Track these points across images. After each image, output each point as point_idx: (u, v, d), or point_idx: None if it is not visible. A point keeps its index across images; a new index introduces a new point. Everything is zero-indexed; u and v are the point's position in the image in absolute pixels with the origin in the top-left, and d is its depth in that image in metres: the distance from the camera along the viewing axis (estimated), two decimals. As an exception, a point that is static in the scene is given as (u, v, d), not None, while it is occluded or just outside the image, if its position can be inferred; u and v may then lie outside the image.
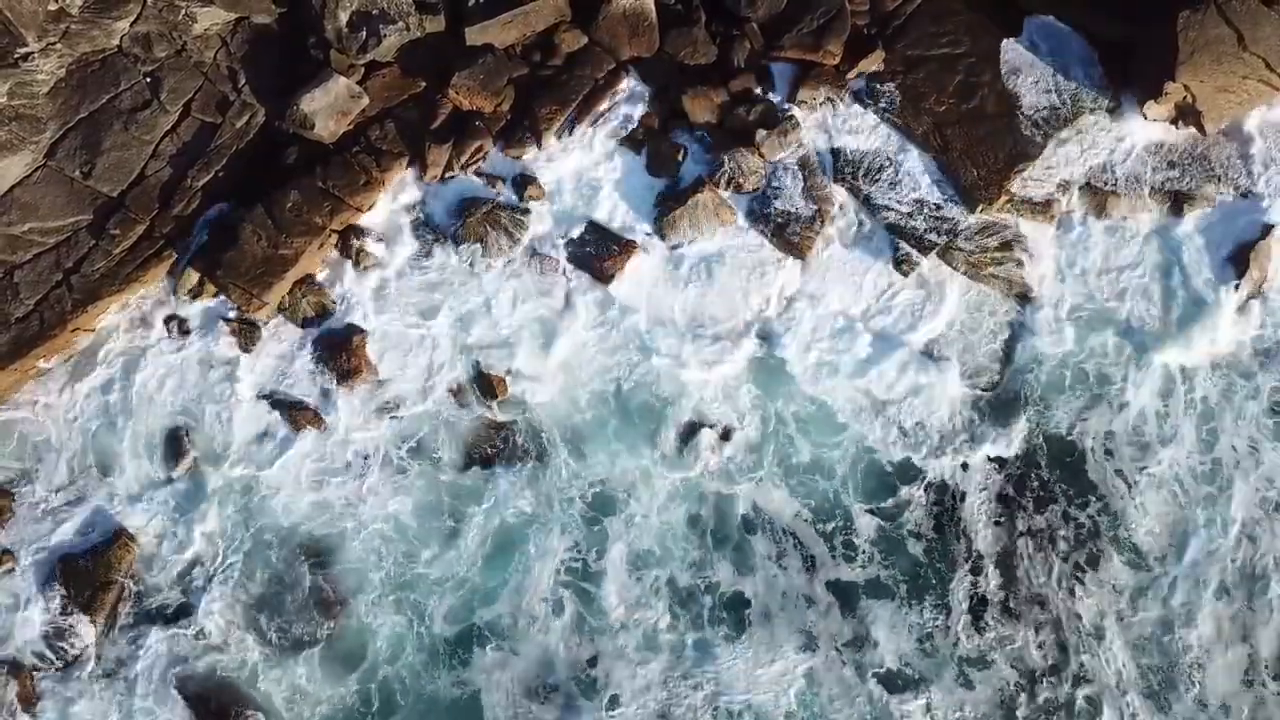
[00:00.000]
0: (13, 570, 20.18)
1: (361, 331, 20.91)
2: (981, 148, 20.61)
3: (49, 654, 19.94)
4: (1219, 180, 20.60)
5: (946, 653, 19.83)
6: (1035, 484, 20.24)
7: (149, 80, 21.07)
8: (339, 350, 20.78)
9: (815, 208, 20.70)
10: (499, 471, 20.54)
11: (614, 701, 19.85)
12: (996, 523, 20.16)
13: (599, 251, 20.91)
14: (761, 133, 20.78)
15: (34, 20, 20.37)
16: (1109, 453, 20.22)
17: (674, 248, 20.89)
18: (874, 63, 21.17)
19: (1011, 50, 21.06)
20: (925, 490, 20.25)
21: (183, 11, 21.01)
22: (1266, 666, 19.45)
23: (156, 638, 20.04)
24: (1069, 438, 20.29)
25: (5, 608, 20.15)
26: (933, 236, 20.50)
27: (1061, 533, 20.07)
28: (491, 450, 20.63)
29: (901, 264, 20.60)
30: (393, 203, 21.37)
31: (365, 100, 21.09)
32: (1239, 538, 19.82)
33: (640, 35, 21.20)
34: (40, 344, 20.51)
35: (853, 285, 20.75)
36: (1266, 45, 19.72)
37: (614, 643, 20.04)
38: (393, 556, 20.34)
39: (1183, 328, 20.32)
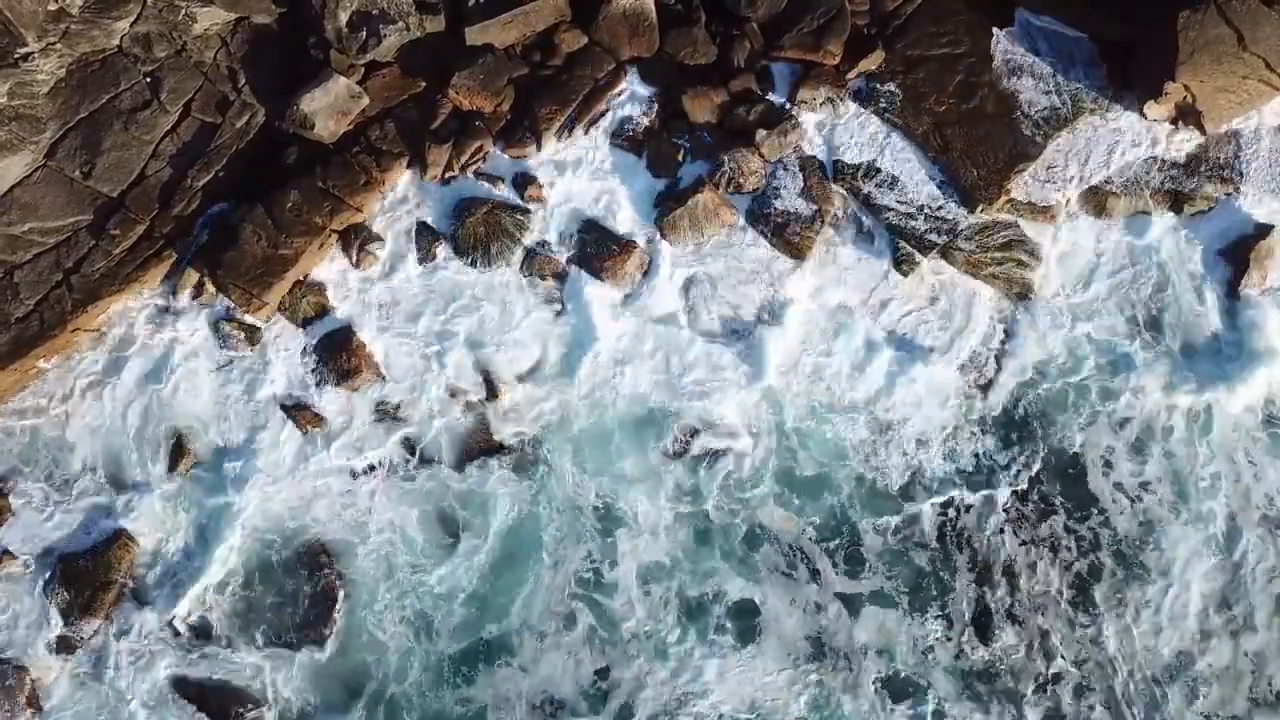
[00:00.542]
0: (12, 570, 20.16)
1: (361, 331, 20.90)
2: (981, 148, 20.62)
3: (50, 654, 19.92)
4: (1219, 180, 20.58)
5: (951, 662, 19.75)
6: (1038, 496, 20.19)
7: (149, 80, 21.07)
8: (339, 350, 20.78)
9: (815, 208, 20.70)
10: (501, 477, 20.51)
11: (625, 710, 19.78)
12: (1000, 532, 20.07)
13: (599, 252, 20.90)
14: (761, 133, 20.78)
15: (34, 20, 20.37)
16: (1108, 465, 20.13)
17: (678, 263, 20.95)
18: (874, 63, 21.17)
19: (1008, 47, 21.04)
20: (932, 506, 20.24)
21: (183, 11, 21.01)
22: (1270, 680, 19.38)
23: (156, 637, 20.02)
24: (1071, 451, 20.23)
25: (6, 608, 20.13)
26: (933, 236, 20.50)
27: (1064, 544, 19.97)
28: (490, 450, 20.63)
29: (902, 264, 20.60)
30: (393, 203, 21.37)
31: (365, 100, 21.09)
32: (1241, 552, 19.76)
33: (640, 35, 21.20)
34: (40, 344, 20.51)
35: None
36: (1266, 45, 19.71)
37: (623, 653, 19.93)
38: (395, 562, 20.30)
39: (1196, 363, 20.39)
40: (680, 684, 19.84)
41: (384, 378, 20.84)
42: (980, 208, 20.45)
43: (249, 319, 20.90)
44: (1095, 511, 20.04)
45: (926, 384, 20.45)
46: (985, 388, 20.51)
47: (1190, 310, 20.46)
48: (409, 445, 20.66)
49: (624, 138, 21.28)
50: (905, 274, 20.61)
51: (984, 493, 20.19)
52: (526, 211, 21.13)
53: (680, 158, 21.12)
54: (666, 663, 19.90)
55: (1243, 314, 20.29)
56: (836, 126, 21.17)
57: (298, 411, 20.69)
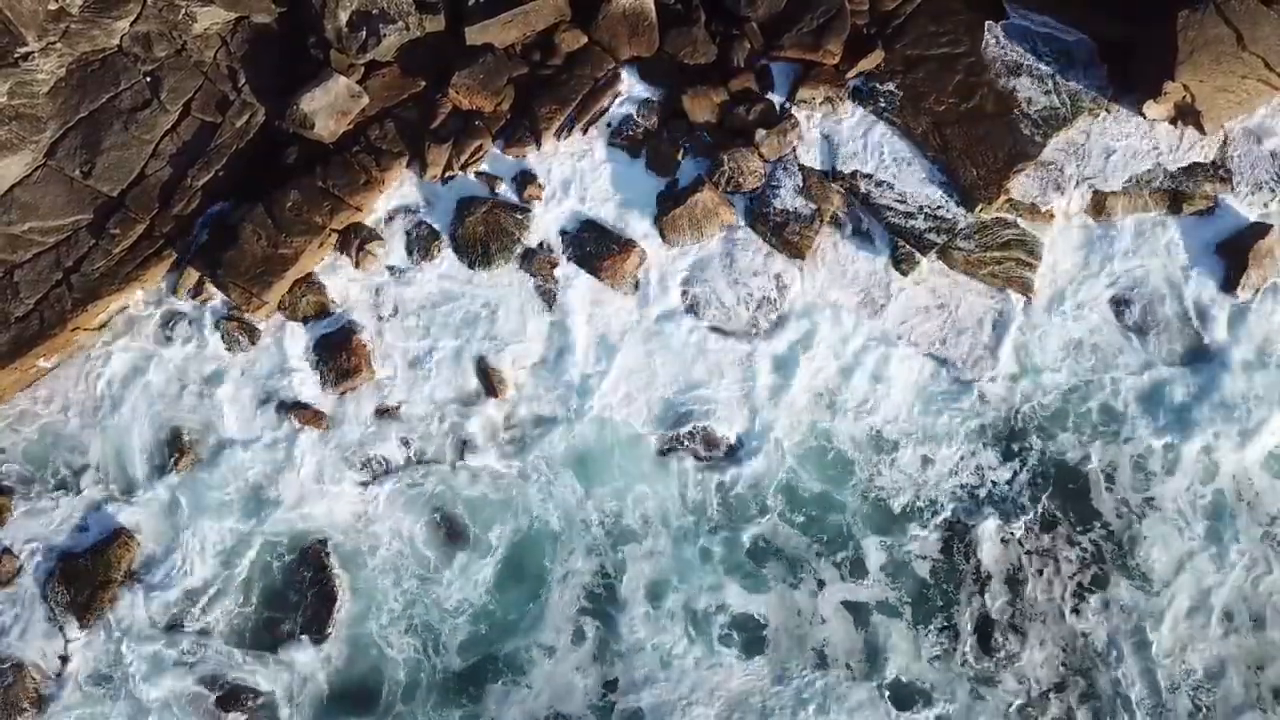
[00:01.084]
0: (12, 569, 20.16)
1: (361, 330, 20.92)
2: (981, 147, 20.63)
3: (49, 653, 19.93)
4: (1218, 179, 20.59)
5: (955, 670, 19.65)
6: (1041, 508, 20.11)
7: (149, 80, 21.09)
8: (339, 350, 20.79)
9: (814, 207, 20.71)
10: (497, 482, 20.52)
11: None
12: (1004, 541, 19.99)
13: (598, 251, 20.91)
14: (761, 132, 20.79)
15: (34, 20, 20.39)
16: (1111, 480, 20.05)
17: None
18: (873, 62, 21.18)
19: (1003, 42, 21.08)
20: (936, 521, 20.17)
21: (183, 11, 21.02)
22: (1275, 692, 19.30)
23: (155, 636, 20.02)
24: (1074, 465, 20.17)
25: (5, 607, 20.13)
26: (932, 236, 20.51)
27: (1066, 555, 19.89)
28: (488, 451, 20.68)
29: (901, 263, 20.60)
30: (392, 202, 21.39)
31: (365, 100, 21.11)
32: (1243, 567, 19.68)
33: (640, 35, 21.22)
34: (40, 343, 20.53)
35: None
36: (1265, 45, 19.73)
37: (629, 665, 19.84)
38: (395, 565, 20.32)
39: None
40: (686, 694, 19.72)
41: (383, 376, 20.83)
42: (980, 207, 20.46)
43: (249, 318, 20.92)
44: (1097, 524, 19.93)
45: (925, 388, 20.46)
46: (983, 396, 20.46)
47: (1189, 311, 20.43)
48: (408, 445, 20.63)
49: (623, 137, 21.29)
50: (905, 273, 20.62)
51: (986, 503, 20.15)
52: (526, 211, 21.14)
53: (680, 157, 21.13)
54: (671, 673, 19.80)
55: (1241, 317, 20.33)
56: (836, 126, 21.18)
57: (297, 410, 20.69)
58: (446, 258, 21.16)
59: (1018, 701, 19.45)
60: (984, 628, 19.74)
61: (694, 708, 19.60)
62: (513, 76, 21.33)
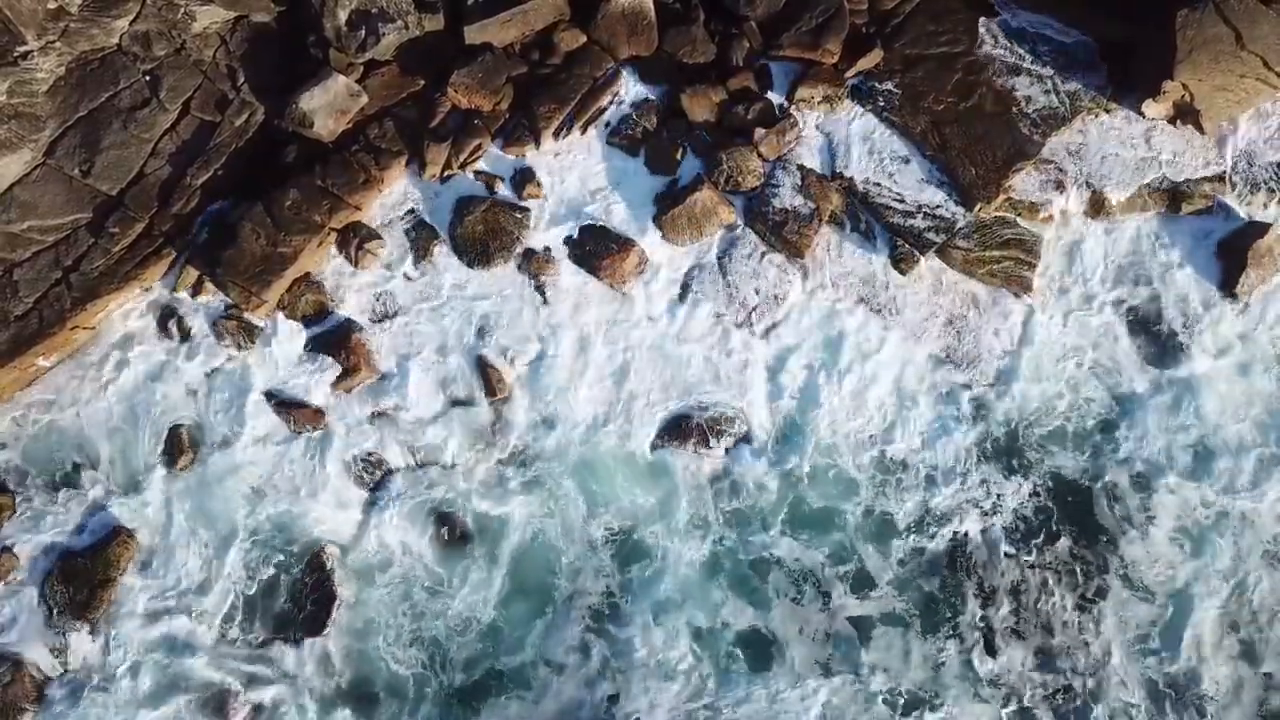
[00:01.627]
0: (11, 568, 20.16)
1: (360, 330, 20.92)
2: (980, 146, 20.63)
3: (47, 652, 19.93)
4: (1216, 179, 20.60)
5: (959, 677, 19.61)
6: (1043, 520, 20.08)
7: (148, 78, 21.10)
8: (338, 349, 20.79)
9: (813, 206, 20.71)
10: (490, 482, 20.54)
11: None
12: (1007, 555, 19.95)
13: (598, 250, 20.91)
14: (760, 131, 20.80)
15: (33, 19, 20.40)
16: (1114, 496, 20.02)
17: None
18: (872, 61, 21.19)
19: (1000, 40, 21.11)
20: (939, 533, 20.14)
21: (182, 10, 21.03)
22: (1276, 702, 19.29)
23: (153, 636, 20.01)
24: (1076, 479, 20.14)
25: (4, 605, 20.13)
26: (931, 235, 20.51)
27: (1067, 566, 19.85)
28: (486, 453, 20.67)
29: (900, 262, 20.60)
30: (392, 201, 21.39)
31: (364, 99, 21.11)
32: (1244, 576, 19.67)
33: (639, 34, 21.23)
34: (39, 342, 20.52)
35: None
36: (1264, 44, 19.74)
37: (632, 677, 19.76)
38: (394, 564, 20.30)
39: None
40: (691, 706, 19.65)
41: (383, 376, 20.83)
42: (979, 206, 20.47)
43: (248, 317, 20.92)
44: (1100, 537, 19.89)
45: (923, 387, 20.46)
46: (980, 404, 20.45)
47: (1186, 312, 20.43)
48: (407, 444, 20.63)
49: (622, 136, 21.30)
50: (904, 272, 20.62)
51: (989, 513, 20.12)
52: (525, 210, 21.14)
53: (679, 156, 21.13)
54: (676, 684, 19.70)
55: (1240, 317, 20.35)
56: (835, 125, 21.19)
57: (296, 410, 20.68)
58: (445, 257, 21.16)
59: (1019, 706, 19.43)
60: (988, 635, 19.70)
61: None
62: (512, 75, 21.34)
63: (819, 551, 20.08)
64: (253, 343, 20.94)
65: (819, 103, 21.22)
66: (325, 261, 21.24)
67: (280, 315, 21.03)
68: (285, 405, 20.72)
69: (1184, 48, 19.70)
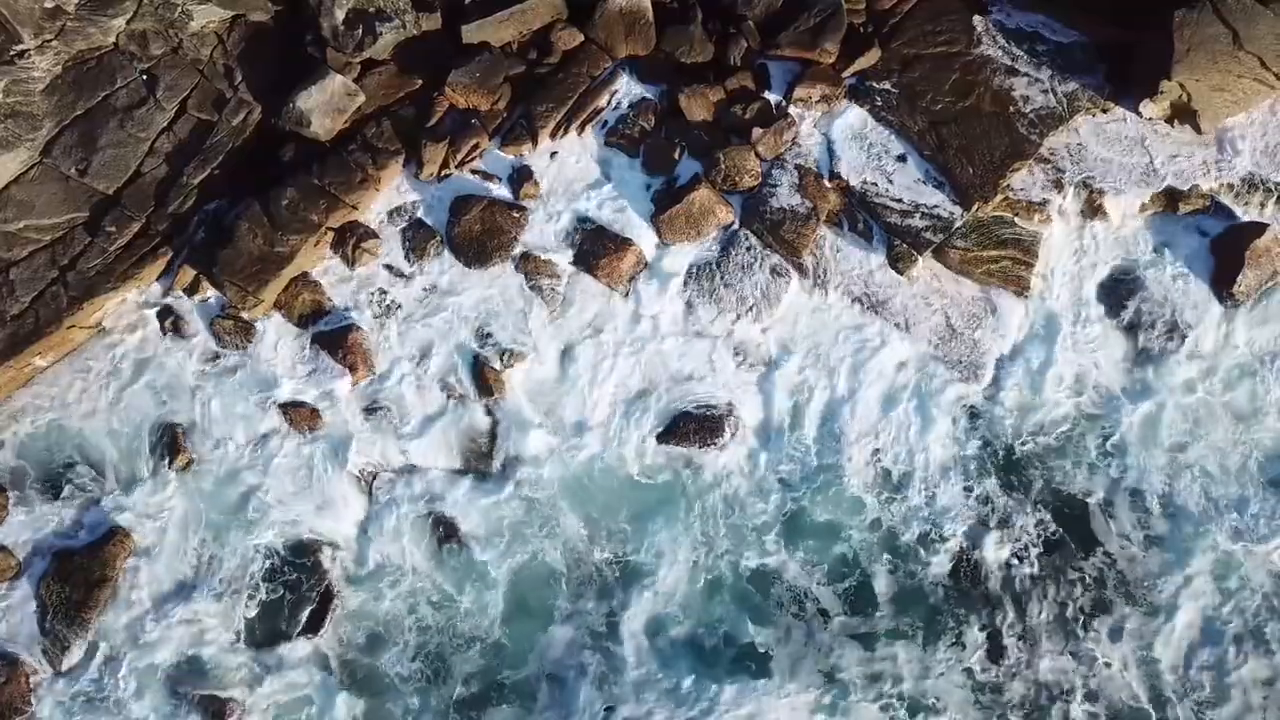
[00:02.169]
0: (8, 567, 20.12)
1: (358, 329, 20.89)
2: (977, 146, 20.63)
3: (44, 650, 19.89)
4: (1215, 179, 20.60)
5: (962, 682, 19.47)
6: (1044, 532, 19.97)
7: (145, 78, 21.09)
8: (335, 348, 20.76)
9: (811, 206, 20.70)
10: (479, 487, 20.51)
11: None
12: (1009, 565, 19.81)
13: (595, 250, 20.89)
14: (758, 131, 20.79)
15: (30, 17, 20.39)
16: (1110, 507, 19.90)
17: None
18: (870, 61, 21.19)
19: (998, 38, 21.13)
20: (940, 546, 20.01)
21: (179, 9, 21.02)
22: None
23: (150, 635, 19.98)
24: (1072, 493, 20.02)
25: (0, 605, 20.10)
26: (929, 235, 20.50)
27: (1068, 577, 19.72)
28: (482, 454, 20.60)
29: (898, 262, 20.59)
30: (389, 201, 21.37)
31: (361, 98, 21.10)
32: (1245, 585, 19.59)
33: (637, 33, 21.22)
34: (36, 341, 20.50)
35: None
36: (1261, 44, 19.75)
37: (633, 688, 19.64)
38: (391, 563, 20.26)
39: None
40: (689, 714, 19.52)
41: (380, 375, 20.81)
42: (976, 206, 20.46)
43: (245, 316, 20.89)
44: (1099, 548, 19.75)
45: (922, 387, 20.45)
46: (977, 404, 20.41)
47: (1184, 313, 20.42)
48: (405, 444, 20.58)
49: (620, 136, 21.29)
50: (901, 272, 20.61)
51: (986, 522, 20.04)
52: (522, 209, 21.12)
53: (676, 156, 21.12)
54: (674, 695, 19.58)
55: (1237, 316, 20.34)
56: (833, 125, 21.18)
57: (293, 409, 20.65)
58: (443, 256, 21.14)
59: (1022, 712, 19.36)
60: (992, 642, 19.58)
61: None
62: (509, 75, 21.33)
63: (819, 552, 20.03)
64: (250, 342, 20.92)
65: (817, 102, 21.22)
66: (322, 261, 21.21)
67: (277, 314, 21.01)
68: (282, 405, 20.68)
69: (1181, 48, 19.70)
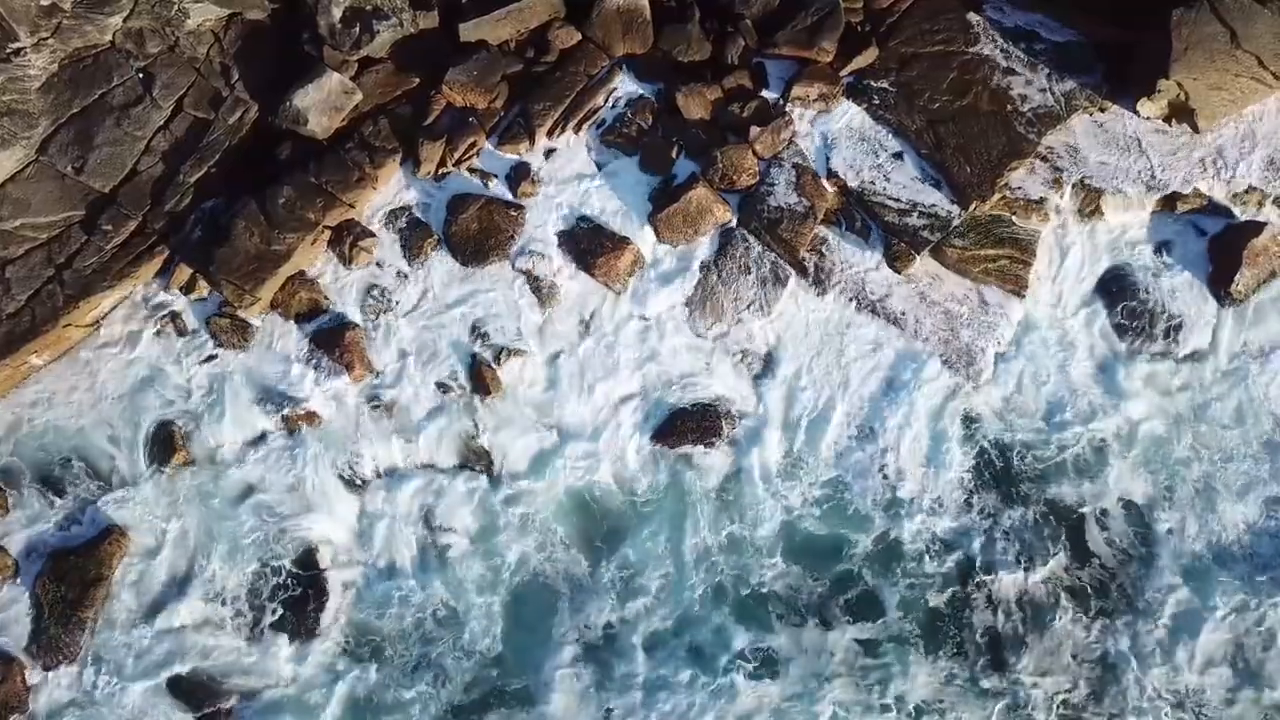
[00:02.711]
0: (3, 565, 20.09)
1: (355, 328, 20.86)
2: (975, 145, 20.62)
3: (40, 649, 19.85)
4: (1213, 178, 20.61)
5: (965, 687, 19.40)
6: (1038, 525, 19.90)
7: (141, 76, 21.06)
8: (333, 347, 20.73)
9: (808, 204, 20.69)
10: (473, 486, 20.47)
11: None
12: (1010, 573, 19.75)
13: (593, 248, 20.86)
14: (755, 130, 20.78)
15: (26, 15, 20.36)
16: (1105, 513, 19.80)
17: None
18: (868, 60, 21.19)
19: (999, 41, 21.14)
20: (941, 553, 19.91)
21: (175, 7, 20.99)
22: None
23: (145, 634, 19.94)
24: (1071, 493, 19.92)
25: (-4, 603, 20.15)
26: (926, 234, 20.49)
27: (1067, 584, 19.63)
28: (480, 454, 20.55)
29: (896, 261, 20.58)
30: (386, 199, 21.35)
31: (358, 96, 21.08)
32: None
33: (634, 32, 21.21)
34: (32, 340, 20.46)
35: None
36: (1259, 43, 19.76)
37: (631, 691, 19.54)
38: (389, 564, 20.23)
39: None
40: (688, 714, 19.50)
41: (377, 374, 20.78)
42: (974, 205, 20.45)
43: (242, 315, 20.86)
44: (1099, 548, 19.67)
45: (920, 388, 20.42)
46: (973, 405, 20.36)
47: (1182, 312, 20.41)
48: (402, 444, 20.55)
49: (617, 134, 21.27)
50: (899, 271, 20.60)
51: (984, 514, 19.99)
52: (520, 208, 21.10)
53: (674, 154, 21.11)
54: (675, 696, 19.53)
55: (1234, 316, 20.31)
56: (830, 123, 21.18)
57: (290, 408, 20.61)
58: (440, 255, 21.12)
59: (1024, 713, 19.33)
60: (994, 647, 19.51)
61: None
62: (507, 73, 21.31)
63: (819, 555, 19.96)
64: (246, 341, 20.89)
65: (814, 101, 21.21)
66: (319, 259, 21.18)
67: (274, 313, 20.98)
68: (279, 403, 20.65)
69: (1179, 46, 19.71)
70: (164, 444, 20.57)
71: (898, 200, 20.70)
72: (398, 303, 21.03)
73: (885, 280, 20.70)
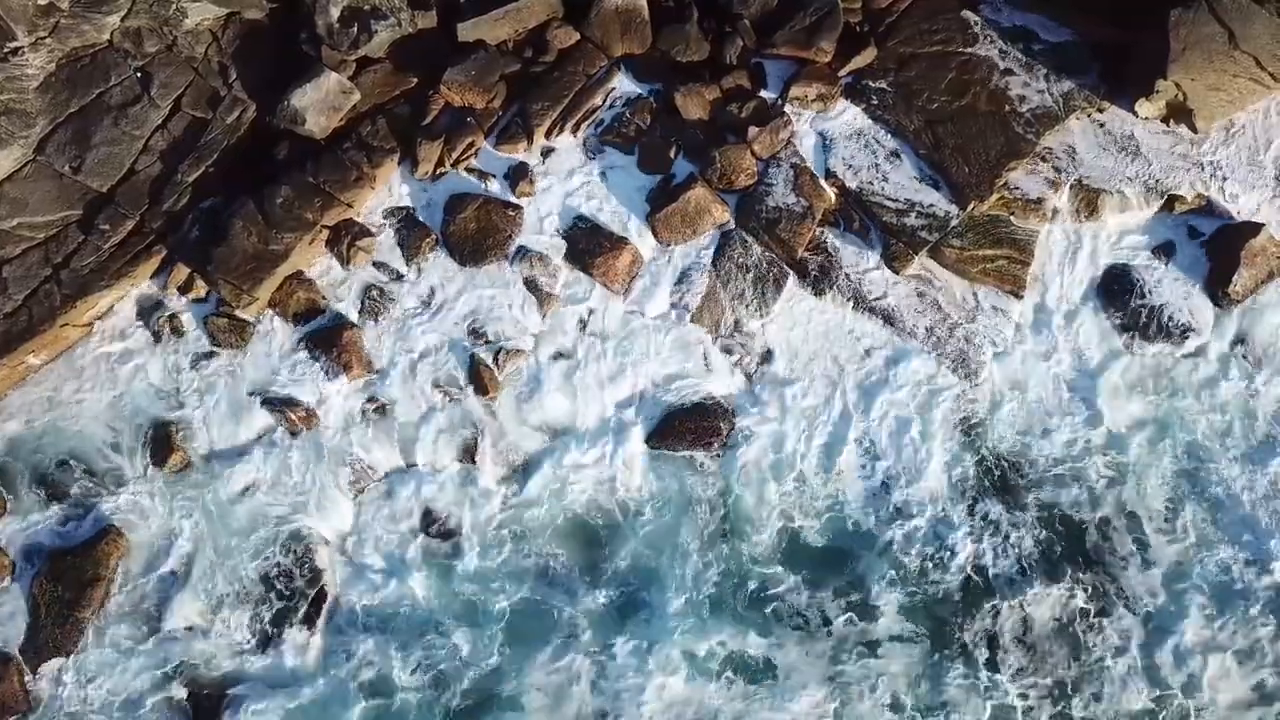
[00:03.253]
0: (1, 566, 20.07)
1: (353, 327, 20.85)
2: (973, 145, 20.63)
3: (39, 648, 19.82)
4: (1212, 178, 20.62)
5: (967, 689, 19.34)
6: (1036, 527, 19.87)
7: (139, 75, 21.06)
8: (330, 346, 20.72)
9: (807, 205, 20.69)
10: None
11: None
12: (1011, 580, 19.68)
13: (591, 248, 20.86)
14: (753, 130, 20.79)
15: (24, 15, 20.36)
16: (1105, 520, 19.73)
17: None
18: (866, 60, 21.21)
19: (997, 42, 21.17)
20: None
21: (173, 6, 20.99)
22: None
23: (143, 634, 19.93)
24: (1070, 494, 19.87)
25: (-6, 603, 20.12)
26: (924, 234, 20.49)
27: (1066, 586, 19.55)
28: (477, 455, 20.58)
29: (894, 260, 20.58)
30: (384, 199, 21.34)
31: (356, 96, 21.08)
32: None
33: (632, 32, 21.22)
34: (29, 339, 20.45)
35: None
36: (1257, 43, 19.78)
37: (624, 697, 19.41)
38: (388, 563, 20.18)
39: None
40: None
41: (375, 373, 20.77)
42: (972, 205, 20.46)
43: (239, 314, 20.84)
44: (1099, 550, 19.63)
45: (918, 387, 20.43)
46: (971, 403, 20.36)
47: (1179, 312, 20.41)
48: (401, 443, 20.53)
49: (616, 134, 21.28)
50: (897, 271, 20.61)
51: (983, 516, 19.95)
52: (518, 208, 21.10)
53: (672, 154, 21.11)
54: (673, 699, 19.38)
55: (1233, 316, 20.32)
56: (829, 124, 21.18)
57: (288, 408, 20.60)
58: (438, 254, 21.11)
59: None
60: (993, 648, 19.46)
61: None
62: (505, 73, 21.31)
63: (817, 559, 19.90)
64: (244, 340, 20.87)
65: (813, 101, 21.21)
66: (317, 259, 21.17)
67: (272, 313, 20.96)
68: (276, 403, 20.63)
69: (1177, 47, 19.73)
70: (161, 444, 20.54)
71: (896, 200, 20.70)
72: (395, 302, 21.01)
73: (883, 280, 20.71)
